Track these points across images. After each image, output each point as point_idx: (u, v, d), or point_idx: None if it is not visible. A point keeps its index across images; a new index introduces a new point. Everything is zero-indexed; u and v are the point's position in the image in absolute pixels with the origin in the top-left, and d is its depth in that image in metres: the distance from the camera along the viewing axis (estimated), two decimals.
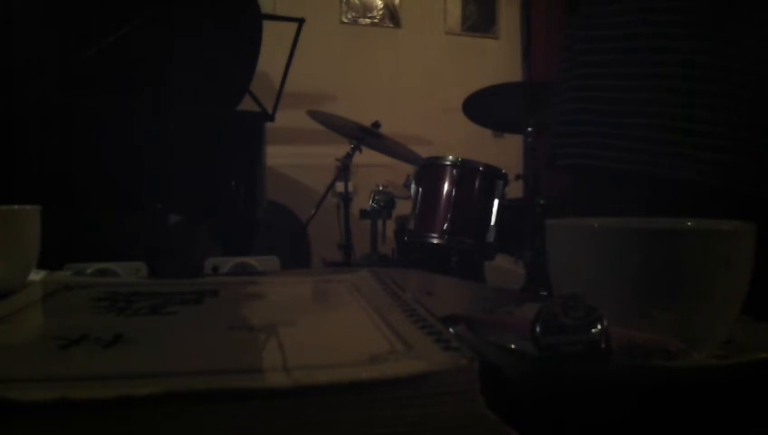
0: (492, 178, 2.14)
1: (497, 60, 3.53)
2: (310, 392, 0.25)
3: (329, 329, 0.39)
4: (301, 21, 1.99)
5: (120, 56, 1.68)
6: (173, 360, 0.31)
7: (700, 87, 0.88)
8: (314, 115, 2.51)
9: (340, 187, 2.65)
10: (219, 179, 1.79)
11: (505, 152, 3.22)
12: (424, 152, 2.40)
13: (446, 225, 2.09)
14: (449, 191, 2.13)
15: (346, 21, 3.30)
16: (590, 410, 0.32)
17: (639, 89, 0.91)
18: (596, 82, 0.95)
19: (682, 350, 0.36)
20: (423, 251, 2.22)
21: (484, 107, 2.23)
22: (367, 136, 2.47)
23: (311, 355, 0.32)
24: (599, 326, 0.35)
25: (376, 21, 3.34)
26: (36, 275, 0.63)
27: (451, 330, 0.32)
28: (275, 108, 1.97)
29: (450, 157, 2.18)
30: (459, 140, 2.96)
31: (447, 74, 3.35)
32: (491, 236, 2.10)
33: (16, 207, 0.64)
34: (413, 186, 2.26)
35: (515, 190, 2.25)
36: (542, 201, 2.08)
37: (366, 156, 2.60)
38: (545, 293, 1.14)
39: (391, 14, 3.38)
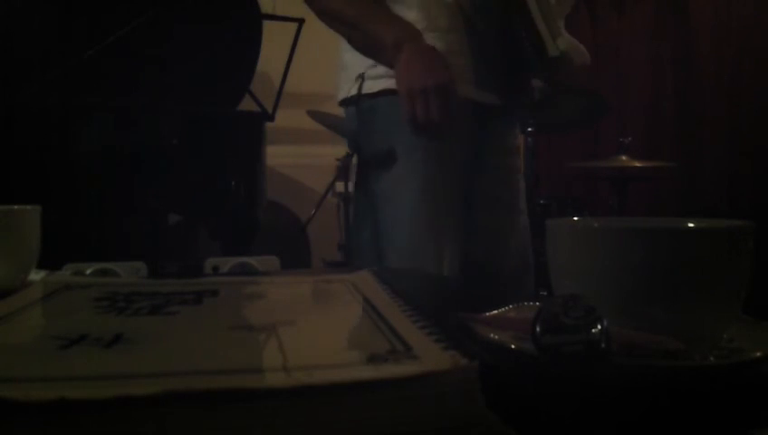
0: None
1: None
2: (310, 392, 0.25)
3: (329, 329, 0.39)
4: (301, 21, 1.99)
5: (119, 56, 1.68)
6: (173, 360, 0.31)
7: None
8: (314, 115, 2.51)
9: (340, 187, 2.65)
10: (219, 179, 1.79)
11: None
12: None
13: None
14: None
15: None
16: (591, 410, 0.32)
17: None
18: None
19: (682, 350, 0.36)
20: None
21: None
22: None
23: (311, 355, 0.32)
24: (599, 326, 0.35)
25: None
26: (36, 275, 0.63)
27: (451, 330, 0.32)
28: (275, 108, 1.97)
29: None
30: None
31: None
32: None
33: (16, 207, 0.64)
34: None
35: None
36: (542, 201, 2.08)
37: None
38: (545, 293, 1.14)
39: None
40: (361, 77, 1.15)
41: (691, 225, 0.43)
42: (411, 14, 1.10)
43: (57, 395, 0.23)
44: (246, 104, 2.03)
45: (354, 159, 2.55)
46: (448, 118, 1.03)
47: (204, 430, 0.24)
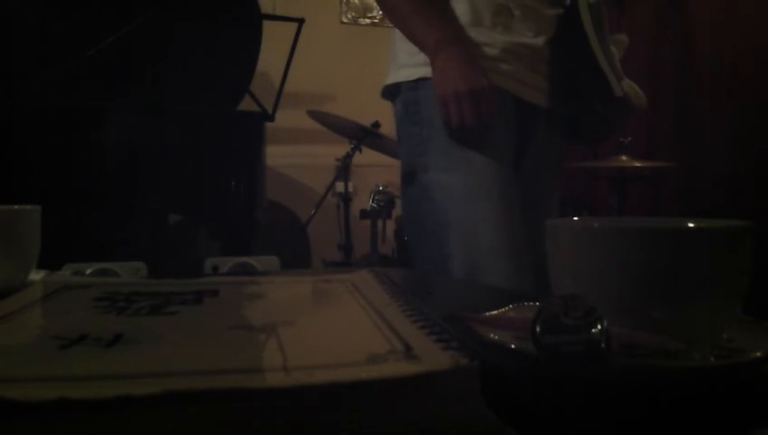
0: None
1: None
2: (310, 392, 0.25)
3: (329, 329, 0.39)
4: (301, 21, 1.99)
5: (119, 56, 1.68)
6: (173, 360, 0.31)
7: None
8: (314, 115, 2.51)
9: (340, 187, 2.65)
10: (219, 179, 1.79)
11: None
12: None
13: None
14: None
15: (346, 21, 3.30)
16: (591, 410, 0.32)
17: None
18: None
19: (682, 350, 0.36)
20: None
21: None
22: (367, 136, 2.47)
23: (311, 355, 0.32)
24: (599, 326, 0.35)
25: (376, 21, 3.33)
26: (36, 275, 0.63)
27: (451, 330, 0.32)
28: (275, 108, 1.97)
29: None
30: None
31: None
32: None
33: (16, 207, 0.64)
34: None
35: None
36: None
37: (366, 156, 2.60)
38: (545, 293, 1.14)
39: None
40: (405, 66, 1.16)
41: (691, 225, 0.43)
42: (460, 7, 1.12)
43: (57, 395, 0.23)
44: (246, 104, 2.03)
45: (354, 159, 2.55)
46: (482, 123, 1.04)
47: (204, 431, 0.24)
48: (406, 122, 1.18)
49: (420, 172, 1.14)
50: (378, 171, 2.77)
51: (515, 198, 1.11)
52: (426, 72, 1.11)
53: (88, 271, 0.62)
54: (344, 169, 2.58)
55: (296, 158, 2.97)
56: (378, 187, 2.57)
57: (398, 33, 1.17)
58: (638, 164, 2.26)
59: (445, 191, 1.11)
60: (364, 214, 2.62)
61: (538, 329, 0.35)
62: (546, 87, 1.17)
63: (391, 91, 1.21)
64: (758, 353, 0.37)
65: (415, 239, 1.20)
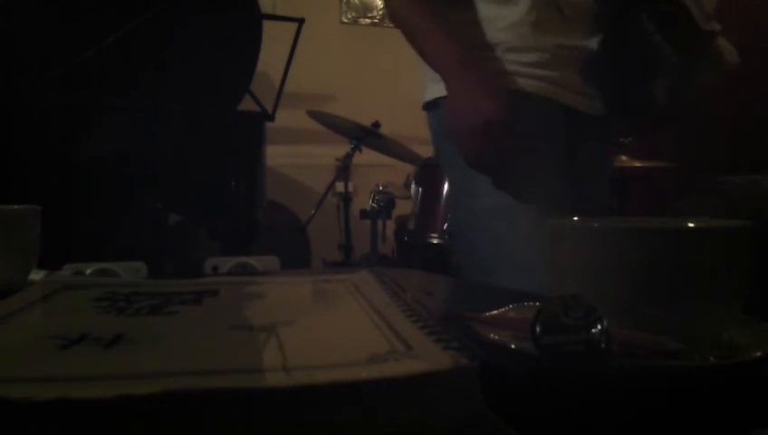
0: None
1: None
2: (310, 392, 0.25)
3: (329, 329, 0.39)
4: (301, 21, 1.99)
5: (119, 56, 1.68)
6: (173, 360, 0.31)
7: None
8: (314, 115, 2.51)
9: (340, 187, 2.65)
10: (219, 179, 1.79)
11: None
12: (424, 152, 2.40)
13: (446, 225, 2.09)
14: (449, 191, 2.13)
15: (346, 21, 3.30)
16: (591, 410, 0.32)
17: None
18: None
19: (682, 350, 0.36)
20: (423, 251, 2.22)
21: None
22: (367, 136, 2.47)
23: (311, 355, 0.32)
24: (599, 326, 0.35)
25: (376, 21, 3.33)
26: (36, 275, 0.63)
27: (451, 330, 0.32)
28: (275, 108, 1.97)
29: None
30: None
31: None
32: None
33: (16, 207, 0.64)
34: (413, 186, 2.25)
35: None
36: None
37: (366, 156, 2.60)
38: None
39: None
40: (436, 80, 1.06)
41: (691, 225, 0.43)
42: (503, 11, 1.02)
43: (58, 395, 0.23)
44: (246, 104, 2.03)
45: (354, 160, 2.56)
46: (503, 158, 0.94)
47: (204, 430, 0.24)
48: (441, 140, 1.09)
49: (465, 197, 1.05)
50: (378, 171, 2.77)
51: (568, 211, 1.04)
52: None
53: (88, 271, 0.62)
54: (344, 169, 2.58)
55: (296, 158, 2.97)
56: (378, 187, 2.56)
57: None
58: (638, 164, 2.26)
59: (492, 217, 1.00)
60: (364, 214, 2.62)
61: (538, 329, 0.35)
62: (597, 93, 1.07)
63: (429, 106, 1.12)
64: (758, 353, 0.37)
65: (466, 268, 1.09)
